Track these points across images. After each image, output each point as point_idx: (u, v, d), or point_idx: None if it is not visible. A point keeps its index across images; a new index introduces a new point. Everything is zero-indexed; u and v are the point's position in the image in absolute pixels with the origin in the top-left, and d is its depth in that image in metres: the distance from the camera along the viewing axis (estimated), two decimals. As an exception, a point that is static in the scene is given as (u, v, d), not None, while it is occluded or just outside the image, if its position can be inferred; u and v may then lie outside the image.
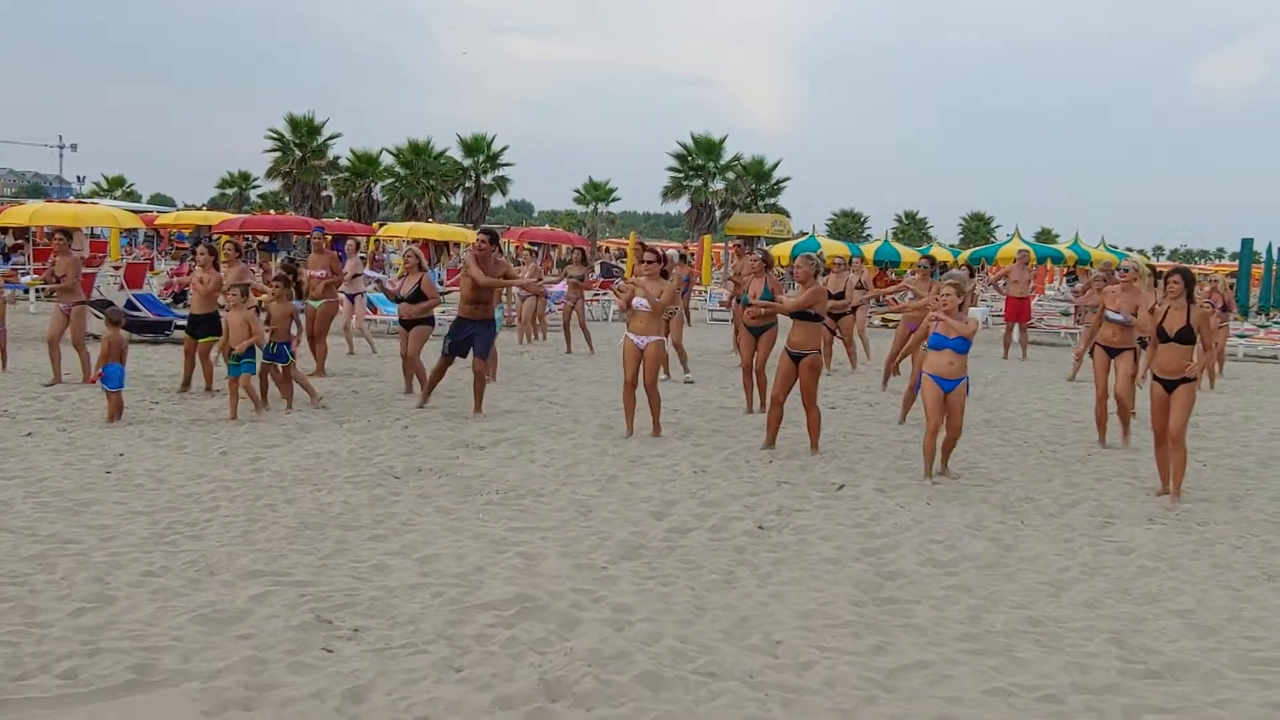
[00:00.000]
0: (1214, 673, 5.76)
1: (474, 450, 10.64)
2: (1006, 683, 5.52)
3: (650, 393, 11.70)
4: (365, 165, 60.77)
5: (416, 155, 60.59)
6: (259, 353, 12.28)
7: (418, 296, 13.59)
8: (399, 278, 16.20)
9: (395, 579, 6.73)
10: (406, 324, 13.70)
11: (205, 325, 13.26)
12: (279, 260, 21.40)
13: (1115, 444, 12.10)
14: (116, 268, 28.86)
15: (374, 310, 22.53)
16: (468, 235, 42.42)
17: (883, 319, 27.40)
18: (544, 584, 6.72)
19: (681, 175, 61.30)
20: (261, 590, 6.41)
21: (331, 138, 60.10)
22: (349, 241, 19.98)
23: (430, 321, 13.89)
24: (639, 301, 11.63)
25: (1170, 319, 9.66)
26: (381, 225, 52.06)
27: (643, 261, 12.13)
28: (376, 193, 62.13)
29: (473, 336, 12.59)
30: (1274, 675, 5.75)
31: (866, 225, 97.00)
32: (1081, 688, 5.50)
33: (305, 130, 58.81)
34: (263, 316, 12.55)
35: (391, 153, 61.32)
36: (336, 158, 60.67)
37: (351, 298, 18.28)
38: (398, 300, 13.96)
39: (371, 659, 5.46)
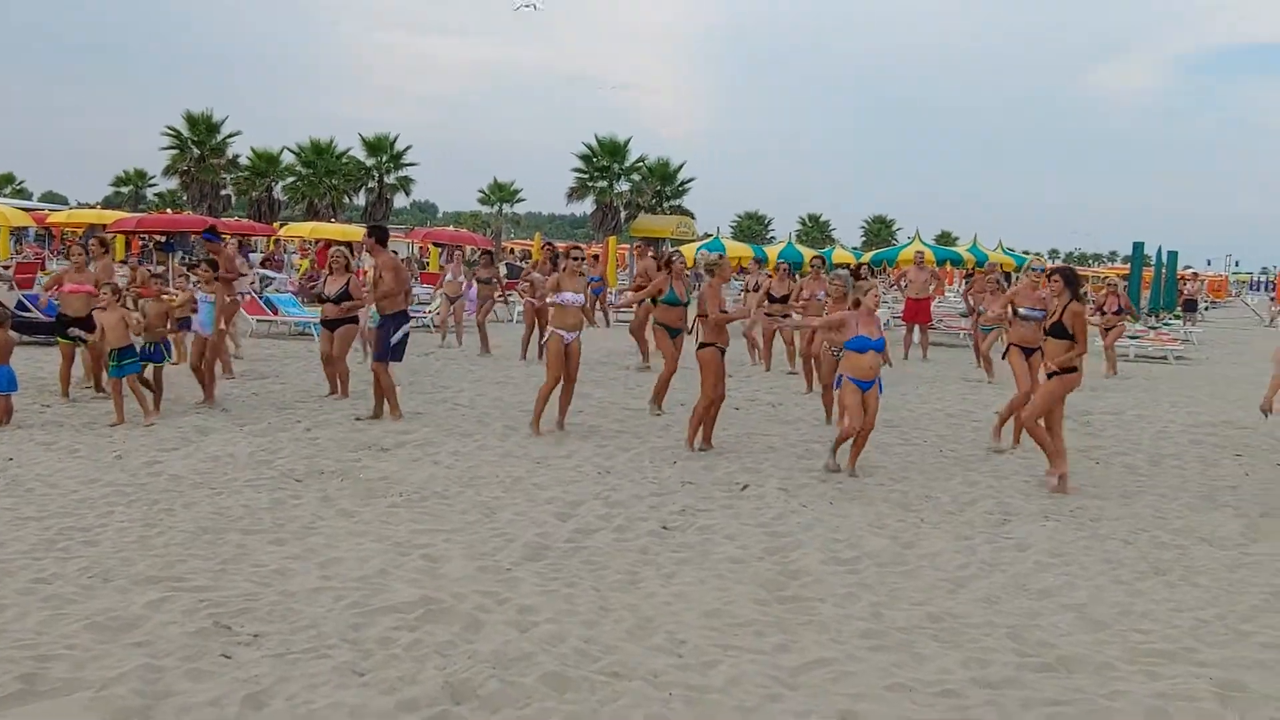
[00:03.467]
0: (1106, 665, 5.91)
1: (377, 452, 10.55)
2: (907, 678, 5.61)
3: (570, 387, 11.93)
4: (266, 164, 59.99)
5: (318, 154, 59.97)
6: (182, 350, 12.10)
7: (344, 297, 13.46)
8: (304, 277, 16.00)
9: (296, 583, 6.65)
10: (332, 325, 13.56)
11: (78, 327, 12.89)
12: (176, 259, 21.05)
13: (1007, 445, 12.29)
14: (6, 267, 28.07)
15: (274, 311, 22.21)
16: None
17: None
18: (448, 586, 6.68)
19: (587, 176, 61.41)
20: (158, 596, 6.29)
21: (231, 136, 59.28)
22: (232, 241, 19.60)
23: (355, 321, 13.77)
24: (571, 297, 11.71)
25: (1053, 315, 10.16)
26: (282, 225, 51.30)
27: (571, 259, 12.29)
28: (277, 192, 61.36)
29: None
30: (1163, 667, 5.91)
31: (770, 227, 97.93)
32: (980, 682, 5.61)
33: (204, 128, 57.92)
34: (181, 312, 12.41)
35: (293, 151, 60.66)
36: (236, 156, 59.82)
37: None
38: (323, 300, 13.75)
39: (272, 664, 5.38)
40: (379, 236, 12.81)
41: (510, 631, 5.97)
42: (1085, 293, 11.46)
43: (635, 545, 7.80)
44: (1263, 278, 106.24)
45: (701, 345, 11.22)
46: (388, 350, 12.31)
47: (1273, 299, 57.90)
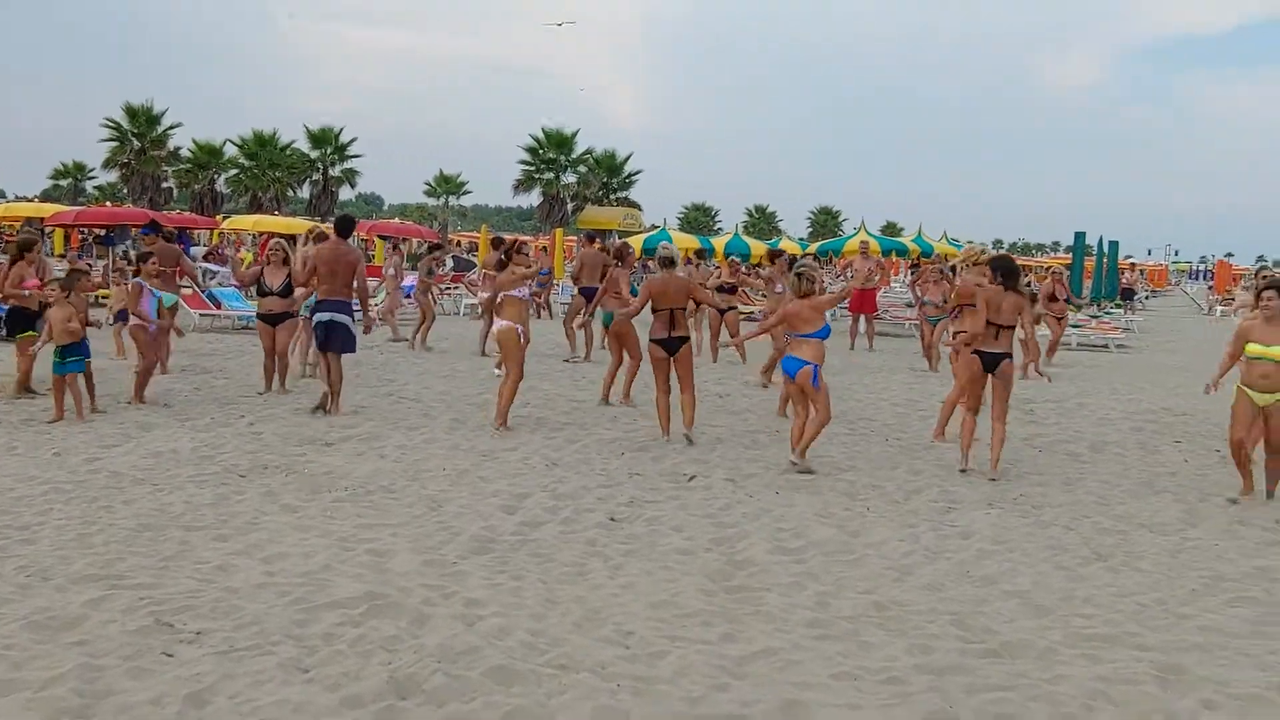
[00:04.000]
0: (1049, 650, 5.97)
1: (322, 447, 10.46)
2: (852, 666, 5.64)
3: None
4: (208, 156, 59.35)
5: (262, 146, 59.41)
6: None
7: (287, 290, 13.35)
8: (247, 268, 15.79)
9: (240, 579, 6.57)
10: (274, 319, 13.43)
11: (23, 322, 12.67)
12: (116, 253, 20.75)
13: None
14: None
15: (217, 305, 21.96)
16: (323, 229, 41.57)
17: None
18: (393, 581, 6.64)
19: (533, 168, 61.26)
20: (98, 594, 6.20)
21: (172, 128, 58.59)
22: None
23: (295, 315, 13.66)
24: (519, 290, 11.79)
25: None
26: (225, 218, 50.76)
27: (520, 253, 12.35)
28: (220, 185, 60.68)
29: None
30: (1104, 651, 5.98)
31: (717, 219, 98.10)
32: (924, 669, 5.64)
33: (144, 120, 57.19)
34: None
35: (236, 144, 60.04)
36: (177, 148, 59.15)
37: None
38: (267, 294, 13.56)
39: (214, 661, 5.32)
40: (341, 228, 12.99)
41: (456, 625, 5.94)
42: (1029, 282, 11.64)
43: (583, 537, 7.79)
44: (1201, 267, 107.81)
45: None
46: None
47: (1211, 288, 58.91)
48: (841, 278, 26.63)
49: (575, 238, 49.76)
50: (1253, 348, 9.43)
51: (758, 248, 40.94)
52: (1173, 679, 5.59)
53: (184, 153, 59.54)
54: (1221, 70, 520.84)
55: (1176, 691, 5.44)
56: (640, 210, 58.23)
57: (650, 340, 11.52)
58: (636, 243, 36.83)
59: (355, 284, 12.38)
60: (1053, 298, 21.46)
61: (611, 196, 61.55)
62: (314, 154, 61.31)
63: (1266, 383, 9.39)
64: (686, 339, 11.54)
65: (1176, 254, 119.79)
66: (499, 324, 11.70)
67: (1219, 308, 42.75)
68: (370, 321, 13.34)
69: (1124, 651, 5.97)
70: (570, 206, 60.43)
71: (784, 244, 45.90)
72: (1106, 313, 34.48)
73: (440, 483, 9.23)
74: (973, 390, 10.58)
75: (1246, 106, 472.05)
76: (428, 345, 19.27)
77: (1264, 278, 14.30)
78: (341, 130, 61.58)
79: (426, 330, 19.56)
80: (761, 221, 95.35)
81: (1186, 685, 5.52)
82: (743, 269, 25.63)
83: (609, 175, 62.33)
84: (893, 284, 42.10)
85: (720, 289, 18.95)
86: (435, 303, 21.56)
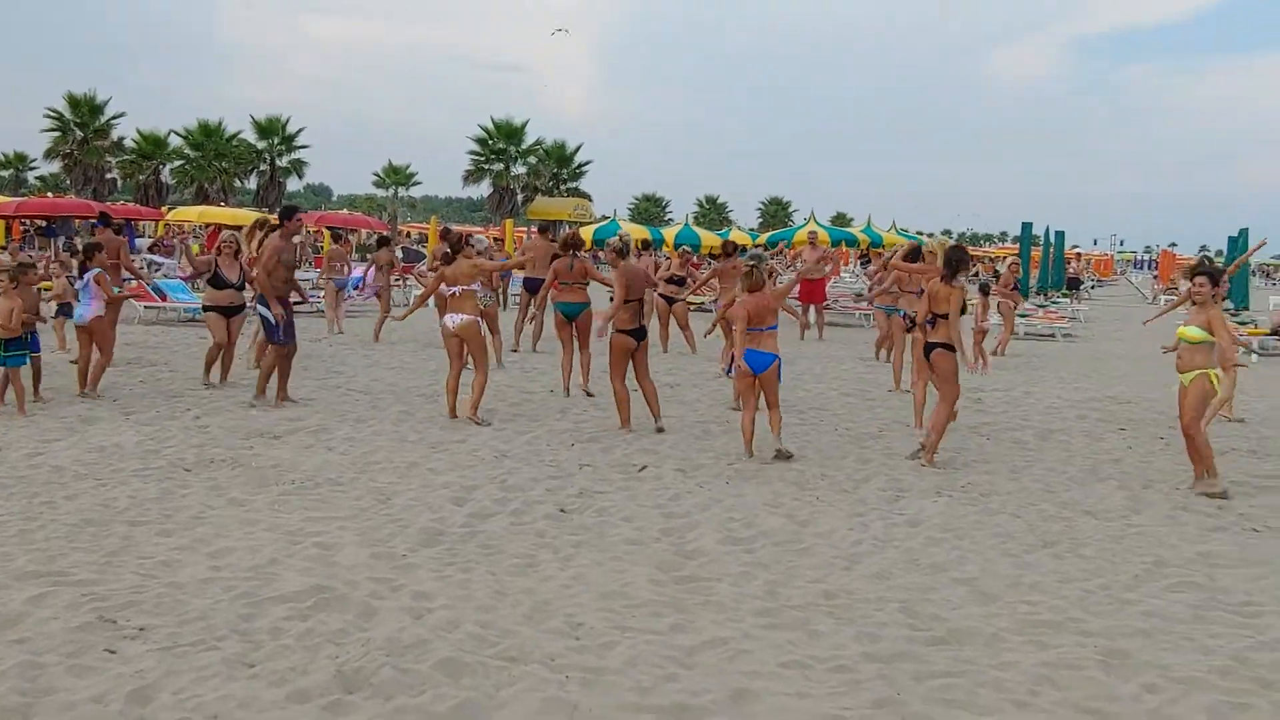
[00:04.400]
0: (996, 636, 6.02)
1: (269, 440, 10.36)
2: (802, 655, 5.66)
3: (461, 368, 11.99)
4: (153, 147, 58.62)
5: (208, 137, 58.76)
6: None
7: (245, 283, 13.26)
8: (189, 261, 15.64)
9: (185, 574, 6.50)
10: (231, 311, 13.32)
11: None
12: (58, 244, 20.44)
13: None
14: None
15: (163, 297, 21.69)
16: (271, 220, 41.21)
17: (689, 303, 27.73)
18: (341, 574, 6.59)
19: (483, 159, 61.02)
20: (39, 591, 6.10)
21: (115, 118, 57.85)
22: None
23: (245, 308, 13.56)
24: (470, 285, 11.80)
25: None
26: (171, 209, 50.14)
27: (469, 245, 12.33)
28: (165, 175, 59.94)
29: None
30: (1050, 636, 6.04)
31: (668, 209, 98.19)
32: (873, 657, 5.67)
33: (86, 110, 56.43)
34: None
35: (180, 134, 59.27)
36: (121, 139, 58.39)
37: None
38: (225, 287, 13.39)
39: (158, 658, 5.25)
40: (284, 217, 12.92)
41: (405, 618, 5.91)
42: (977, 272, 11.75)
43: (532, 529, 7.77)
44: (1146, 256, 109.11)
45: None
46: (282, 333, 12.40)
47: (1155, 277, 59.64)
48: (791, 267, 26.70)
49: (526, 229, 49.71)
50: (1179, 330, 9.69)
51: (709, 238, 41.03)
52: (1116, 664, 5.66)
53: (128, 143, 58.79)
54: (1167, 63, 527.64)
55: (1120, 676, 5.51)
56: (591, 201, 58.15)
57: (617, 331, 11.48)
58: (587, 233, 36.84)
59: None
60: (1013, 286, 21.69)
61: (562, 187, 61.45)
62: (261, 145, 60.76)
63: (1179, 363, 9.65)
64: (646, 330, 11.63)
65: (1122, 244, 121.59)
66: (460, 318, 11.62)
67: (1163, 297, 43.25)
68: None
69: (1069, 637, 6.04)
70: (520, 197, 60.27)
71: (734, 234, 46.06)
72: (1053, 302, 34.81)
73: (389, 475, 9.17)
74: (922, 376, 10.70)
75: (1191, 99, 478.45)
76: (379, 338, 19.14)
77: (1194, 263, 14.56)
78: (289, 120, 61.13)
79: (382, 323, 19.46)
80: (712, 212, 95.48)
81: (1130, 670, 5.59)
82: (693, 259, 25.64)
83: (559, 166, 62.22)
84: (843, 274, 42.31)
85: (670, 280, 18.96)
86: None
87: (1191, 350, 9.50)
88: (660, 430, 11.31)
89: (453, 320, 11.65)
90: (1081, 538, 8.07)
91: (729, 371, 11.09)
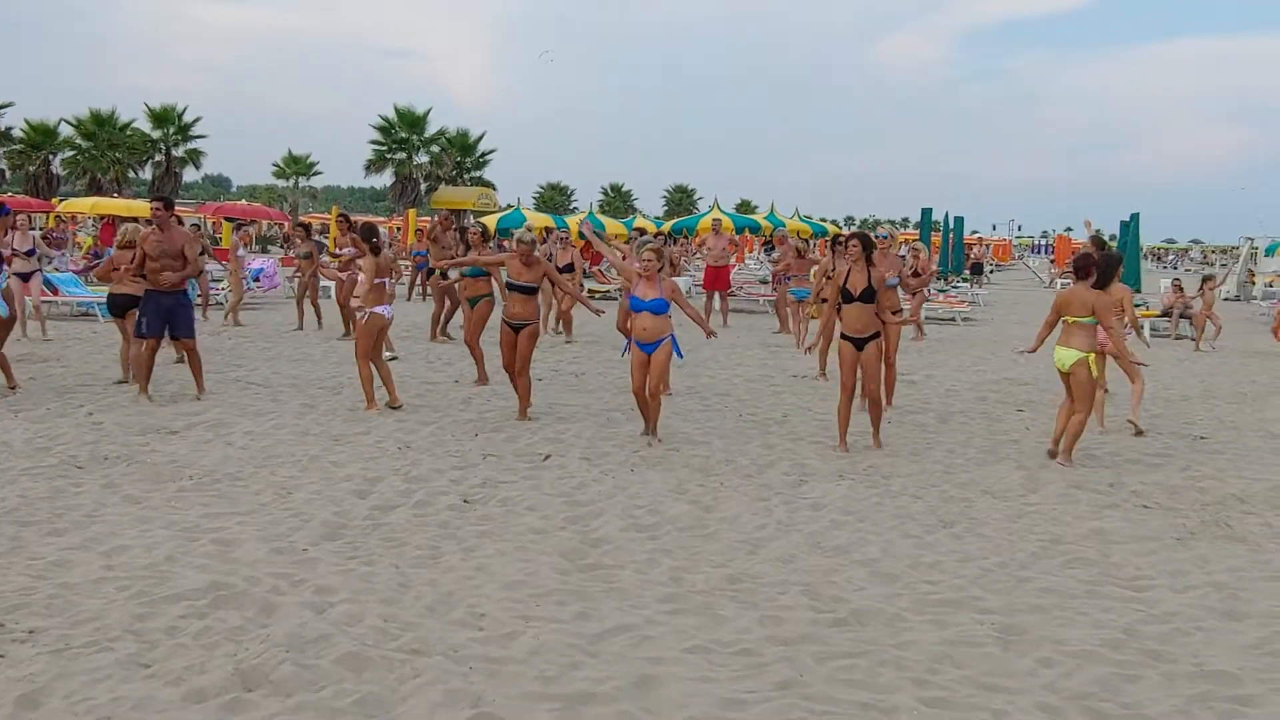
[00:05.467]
0: (896, 616, 6.10)
1: (166, 435, 10.14)
2: (706, 640, 5.68)
3: (380, 364, 11.90)
4: (42, 137, 57.06)
5: (100, 126, 57.29)
6: None
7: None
8: (84, 256, 15.24)
9: (77, 574, 6.33)
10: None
11: None
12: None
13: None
14: None
15: (54, 291, 21.12)
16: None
17: (590, 292, 27.76)
18: (240, 570, 6.47)
19: (385, 148, 60.38)
20: (-77, 595, 5.92)
21: (2, 107, 56.15)
22: (19, 216, 18.42)
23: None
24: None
25: (853, 280, 10.22)
26: (62, 201, 48.88)
27: (344, 235, 12.14)
28: (56, 166, 58.36)
29: (172, 311, 12.07)
30: (949, 615, 6.14)
31: (573, 197, 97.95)
32: (776, 639, 5.72)
33: (-30, 100, 54.64)
34: None
35: (71, 124, 57.72)
36: (9, 129, 56.75)
37: (26, 277, 16.90)
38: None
39: (49, 660, 5.11)
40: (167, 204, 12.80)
41: (306, 613, 5.82)
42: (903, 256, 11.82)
43: (436, 520, 7.71)
44: (1043, 241, 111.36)
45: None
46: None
47: (1052, 261, 60.90)
48: (696, 255, 26.83)
49: (429, 218, 49.29)
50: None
51: (613, 226, 41.00)
52: (1013, 639, 5.78)
53: (16, 133, 57.17)
54: (1058, 50, 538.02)
55: (1017, 651, 5.63)
56: (495, 190, 57.79)
57: (505, 321, 11.44)
58: (491, 222, 36.64)
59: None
60: (917, 272, 21.92)
61: (465, 176, 60.97)
62: (156, 134, 59.41)
63: (1070, 343, 9.97)
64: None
65: (1020, 229, 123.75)
66: (387, 309, 11.72)
67: (1059, 280, 44.17)
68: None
69: (968, 615, 6.14)
70: (424, 187, 59.69)
71: (639, 222, 46.12)
72: (954, 287, 35.38)
73: (290, 469, 9.04)
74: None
75: (1082, 85, 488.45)
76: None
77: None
78: (185, 109, 59.87)
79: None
80: (617, 200, 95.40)
81: (1026, 645, 5.71)
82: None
83: (462, 155, 61.72)
84: (746, 261, 42.58)
85: (560, 269, 18.94)
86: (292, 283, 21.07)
87: (1077, 330, 9.91)
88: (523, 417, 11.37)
89: (388, 311, 11.75)
90: (981, 517, 8.21)
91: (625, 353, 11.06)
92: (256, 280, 25.31)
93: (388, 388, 11.73)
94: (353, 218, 22.69)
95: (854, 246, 10.40)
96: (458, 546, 7.12)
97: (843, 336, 10.39)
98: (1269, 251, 45.98)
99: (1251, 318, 30.06)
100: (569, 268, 18.40)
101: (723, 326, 22.02)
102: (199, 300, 20.00)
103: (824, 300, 13.11)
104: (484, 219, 39.64)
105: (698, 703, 4.91)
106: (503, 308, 11.69)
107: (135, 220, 35.49)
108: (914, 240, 30.26)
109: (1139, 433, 11.42)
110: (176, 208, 17.84)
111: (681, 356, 10.88)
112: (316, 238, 40.02)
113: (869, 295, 10.22)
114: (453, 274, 14.92)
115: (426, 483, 8.69)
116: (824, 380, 14.09)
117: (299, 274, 20.36)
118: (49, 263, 20.42)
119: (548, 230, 23.68)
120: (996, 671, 5.38)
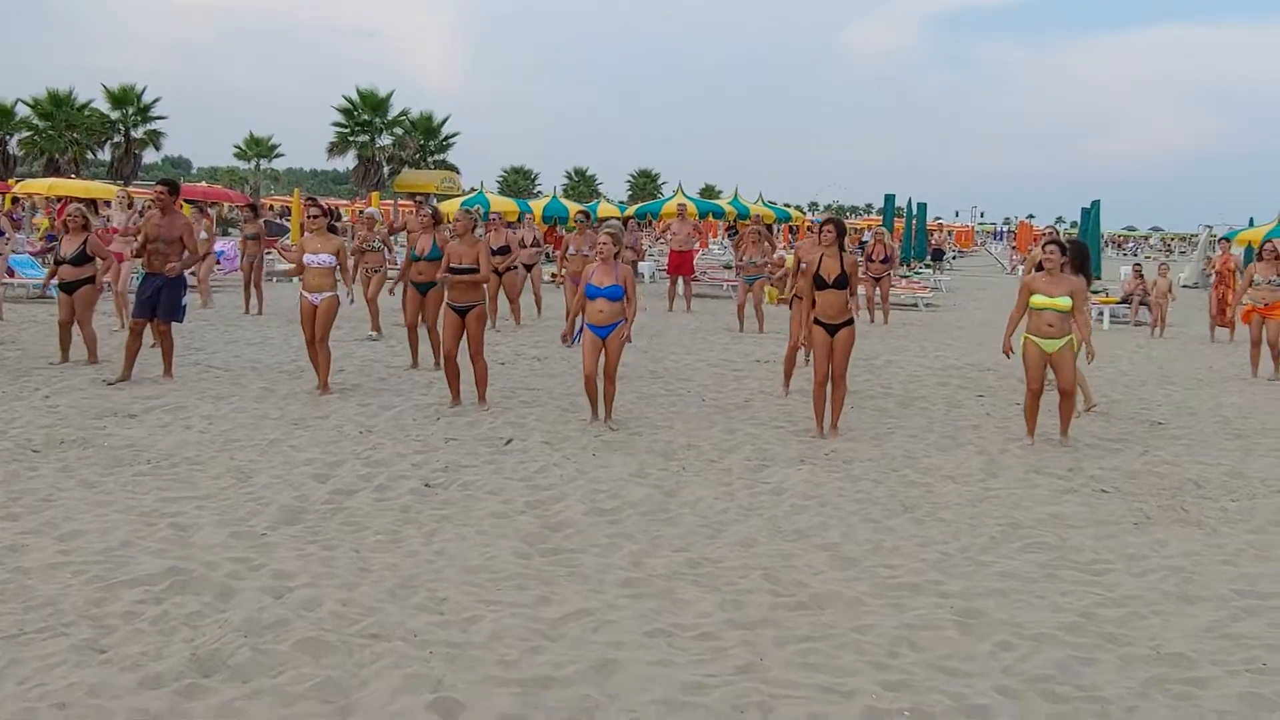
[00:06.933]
0: (856, 600, 6.13)
1: (124, 419, 10.04)
2: (666, 623, 5.68)
3: (320, 348, 11.64)
4: (-3, 117, 56.09)
5: (57, 106, 56.37)
6: None
7: (82, 258, 12.77)
8: (40, 238, 15.06)
9: (31, 559, 6.25)
10: (69, 287, 12.81)
11: None
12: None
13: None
14: None
15: (11, 274, 20.85)
16: (114, 192, 39.98)
17: (553, 275, 27.69)
18: (198, 555, 6.41)
19: (348, 131, 59.79)
20: (-127, 580, 5.83)
21: (-43, 86, 55.30)
22: None
23: (93, 282, 13.05)
24: (319, 258, 11.55)
25: (826, 266, 10.21)
26: (19, 182, 48.21)
27: (310, 217, 12.00)
28: (12, 147, 57.50)
29: (160, 292, 11.97)
30: (908, 599, 6.17)
31: (537, 182, 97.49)
32: (736, 623, 5.73)
33: (-75, 78, 53.85)
34: None
35: (28, 104, 56.82)
36: (-38, 109, 55.86)
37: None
38: (60, 262, 12.93)
39: (2, 646, 5.04)
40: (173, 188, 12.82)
41: (264, 598, 5.77)
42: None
43: (396, 504, 7.67)
44: (1005, 228, 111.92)
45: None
46: (181, 310, 12.30)
47: (1014, 248, 61.25)
48: (660, 240, 26.81)
49: (392, 201, 48.98)
50: (1037, 299, 10.12)
51: (577, 211, 40.86)
52: (972, 623, 5.81)
53: (-30, 113, 56.31)
54: (1019, 38, 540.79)
55: (975, 635, 5.66)
56: (459, 173, 57.44)
57: (450, 305, 11.30)
58: (454, 206, 36.42)
59: None
60: (870, 258, 22.02)
61: (429, 159, 60.54)
62: (114, 115, 58.63)
63: (1052, 330, 10.09)
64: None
65: (982, 216, 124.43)
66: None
67: (1020, 267, 44.48)
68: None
69: (927, 599, 6.17)
70: (387, 170, 59.22)
71: (603, 206, 46.03)
72: (916, 272, 35.53)
73: (249, 453, 8.97)
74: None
75: (1044, 73, 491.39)
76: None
77: (1047, 234, 15.02)
78: (144, 90, 59.09)
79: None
80: (581, 184, 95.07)
81: (985, 628, 5.74)
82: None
83: (426, 138, 61.17)
84: (711, 246, 42.60)
85: (494, 252, 18.75)
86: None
87: (1061, 319, 10.07)
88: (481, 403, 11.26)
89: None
90: (941, 502, 8.26)
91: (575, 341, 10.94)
92: (218, 263, 25.11)
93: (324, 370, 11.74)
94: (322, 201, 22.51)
95: (828, 232, 10.36)
96: (418, 531, 7.09)
97: (815, 322, 10.36)
98: (1228, 239, 46.40)
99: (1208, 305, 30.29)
100: (504, 249, 18.13)
101: (686, 312, 22.06)
102: (196, 285, 19.90)
103: (780, 287, 13.04)
104: (446, 203, 39.44)
105: (658, 686, 4.91)
106: (447, 294, 11.41)
107: (91, 202, 35.07)
108: (877, 226, 30.39)
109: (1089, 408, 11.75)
110: (133, 189, 17.68)
111: (631, 340, 10.75)
112: (278, 220, 39.63)
113: (842, 282, 10.22)
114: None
115: (387, 467, 8.65)
116: (785, 396, 13.32)
117: (244, 254, 20.17)
118: (5, 242, 20.08)
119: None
120: (955, 655, 5.40)
